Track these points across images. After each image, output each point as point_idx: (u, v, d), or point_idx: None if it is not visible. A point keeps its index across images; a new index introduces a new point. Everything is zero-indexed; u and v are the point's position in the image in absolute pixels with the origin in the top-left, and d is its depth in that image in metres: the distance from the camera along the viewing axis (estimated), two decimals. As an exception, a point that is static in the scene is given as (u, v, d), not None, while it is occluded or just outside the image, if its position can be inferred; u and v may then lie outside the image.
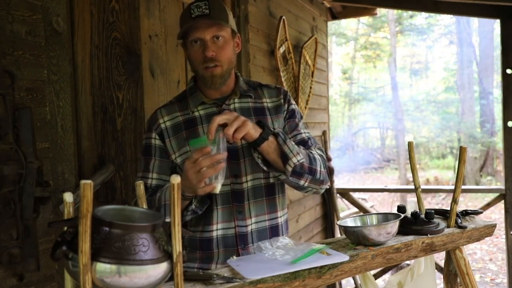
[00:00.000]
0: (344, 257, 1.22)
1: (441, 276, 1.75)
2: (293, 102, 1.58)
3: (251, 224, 1.47)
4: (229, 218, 1.46)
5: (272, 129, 1.36)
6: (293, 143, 1.38)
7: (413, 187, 1.61)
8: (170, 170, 1.49)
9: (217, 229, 1.46)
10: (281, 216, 1.54)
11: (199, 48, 1.42)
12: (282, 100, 1.54)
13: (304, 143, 1.50)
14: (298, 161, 1.34)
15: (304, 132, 1.54)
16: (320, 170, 1.43)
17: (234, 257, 1.28)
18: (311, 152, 1.45)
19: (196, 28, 1.40)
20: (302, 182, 1.40)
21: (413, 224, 1.46)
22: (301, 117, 1.59)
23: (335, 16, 5.09)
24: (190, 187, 1.25)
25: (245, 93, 1.52)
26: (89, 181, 0.80)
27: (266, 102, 1.54)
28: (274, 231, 1.51)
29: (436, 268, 1.80)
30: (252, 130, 1.28)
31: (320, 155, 1.48)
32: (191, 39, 1.43)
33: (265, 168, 1.38)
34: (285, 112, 1.54)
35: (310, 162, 1.40)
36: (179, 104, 1.54)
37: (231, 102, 1.50)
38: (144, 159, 1.51)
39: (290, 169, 1.34)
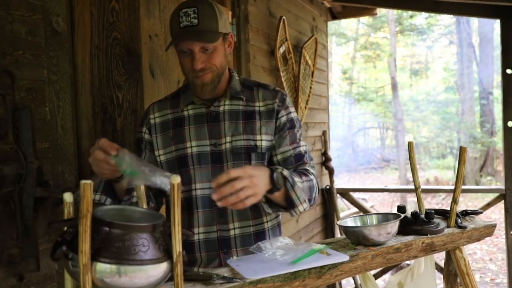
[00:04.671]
0: (344, 257, 1.22)
1: (441, 276, 1.75)
2: (292, 109, 1.53)
3: (234, 229, 1.44)
4: (210, 222, 1.44)
5: (281, 174, 1.30)
6: (300, 186, 1.34)
7: (413, 187, 1.61)
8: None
9: (198, 233, 1.45)
10: (268, 221, 1.50)
11: (188, 57, 1.40)
12: (276, 105, 1.48)
13: (300, 157, 1.48)
14: (304, 209, 1.36)
15: (303, 145, 1.51)
16: (315, 197, 1.43)
17: (234, 257, 1.28)
18: (309, 180, 1.41)
19: (183, 40, 1.37)
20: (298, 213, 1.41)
21: (413, 224, 1.46)
22: (300, 126, 1.55)
23: (335, 16, 5.10)
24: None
25: (237, 95, 1.49)
26: (89, 181, 0.80)
27: (258, 105, 1.49)
28: (260, 238, 1.46)
29: (436, 268, 1.80)
30: (261, 193, 1.23)
31: (314, 175, 1.46)
32: (179, 48, 1.40)
33: (269, 211, 1.38)
34: (282, 119, 1.49)
35: (310, 194, 1.40)
36: (172, 101, 1.54)
37: (221, 104, 1.48)
38: (136, 152, 1.51)
39: (294, 214, 1.36)
